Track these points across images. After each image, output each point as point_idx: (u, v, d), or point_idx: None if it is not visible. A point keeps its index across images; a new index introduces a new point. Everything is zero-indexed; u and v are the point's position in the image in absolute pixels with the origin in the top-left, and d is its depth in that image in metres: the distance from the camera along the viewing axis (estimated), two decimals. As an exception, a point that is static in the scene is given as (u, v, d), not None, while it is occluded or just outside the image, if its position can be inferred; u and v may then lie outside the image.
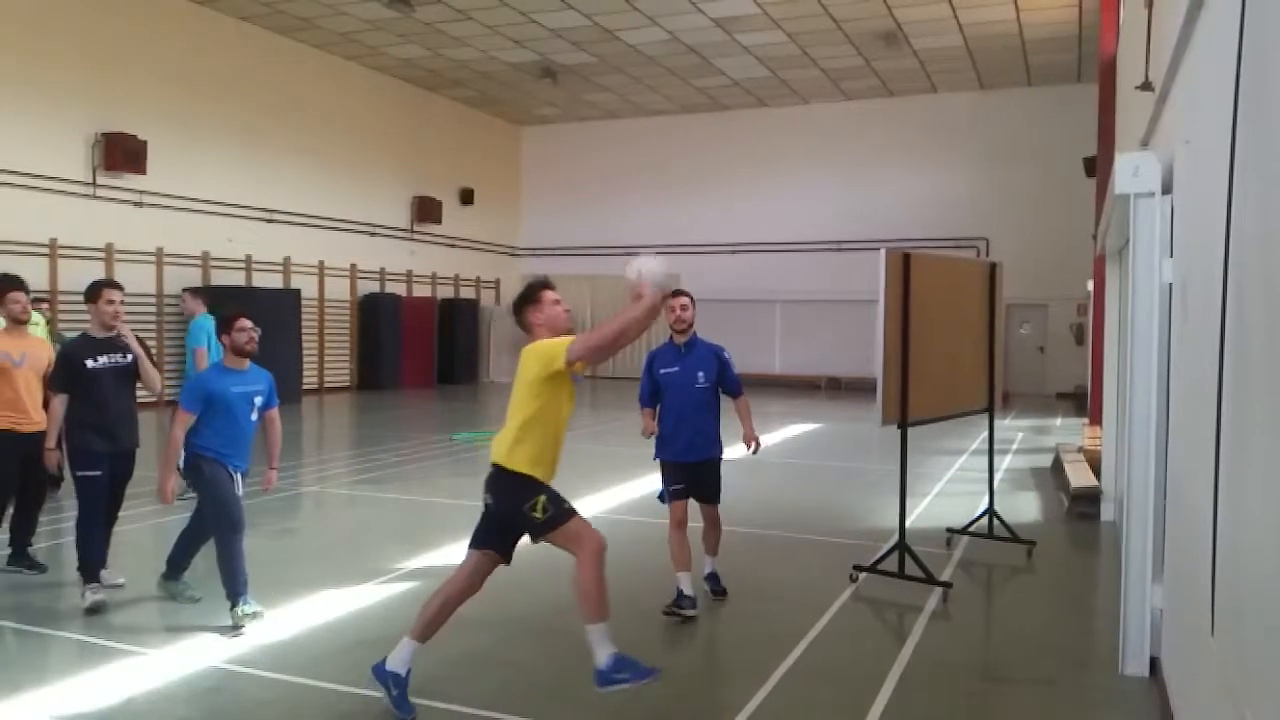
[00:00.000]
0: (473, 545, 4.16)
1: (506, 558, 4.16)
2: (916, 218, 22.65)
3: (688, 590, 5.46)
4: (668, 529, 5.58)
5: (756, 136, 24.65)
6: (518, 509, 3.96)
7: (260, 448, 5.49)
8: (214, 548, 5.19)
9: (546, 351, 3.95)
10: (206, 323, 8.86)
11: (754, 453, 5.91)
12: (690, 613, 5.40)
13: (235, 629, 4.98)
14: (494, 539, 4.11)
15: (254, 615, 5.05)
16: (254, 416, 5.37)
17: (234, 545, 5.12)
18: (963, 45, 19.24)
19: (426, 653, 4.58)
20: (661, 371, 5.71)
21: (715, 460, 5.72)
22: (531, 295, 4.20)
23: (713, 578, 5.81)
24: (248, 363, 5.37)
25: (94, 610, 5.29)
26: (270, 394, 5.45)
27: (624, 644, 4.61)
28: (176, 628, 5.13)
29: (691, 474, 5.66)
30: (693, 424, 5.60)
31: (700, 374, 5.64)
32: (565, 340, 3.93)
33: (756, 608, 5.70)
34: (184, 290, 9.95)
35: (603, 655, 3.81)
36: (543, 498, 3.94)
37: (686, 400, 5.61)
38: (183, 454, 5.25)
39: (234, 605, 5.04)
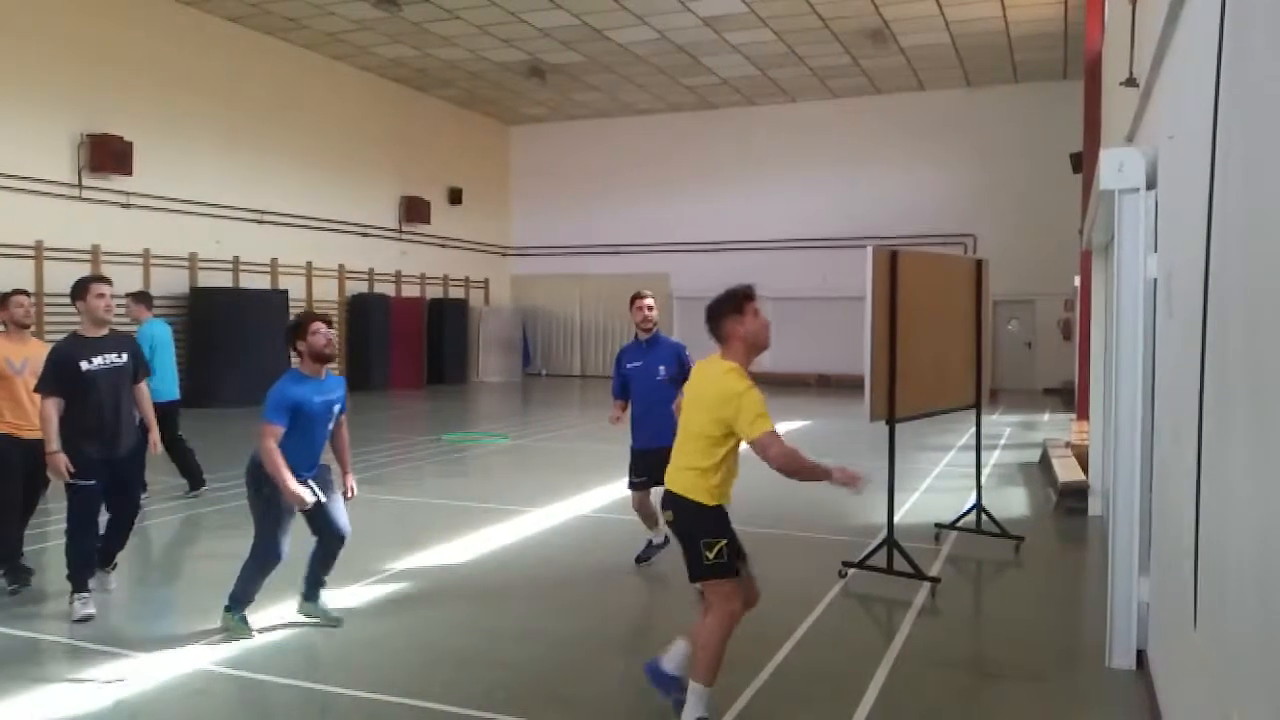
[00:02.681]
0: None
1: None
2: (904, 215, 22.72)
3: (657, 540, 6.22)
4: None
5: (745, 135, 24.68)
6: (695, 537, 3.77)
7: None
8: (243, 556, 5.04)
9: (741, 412, 3.66)
10: (153, 329, 8.43)
11: None
12: (658, 548, 6.21)
13: (223, 631, 4.93)
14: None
15: (244, 634, 4.90)
16: (330, 427, 5.07)
17: (266, 571, 4.97)
18: (949, 43, 19.30)
19: (413, 652, 4.58)
20: (628, 366, 6.31)
21: None
22: (736, 304, 3.84)
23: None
24: (325, 370, 4.97)
25: (83, 622, 5.15)
26: (344, 400, 5.16)
27: (615, 642, 4.61)
28: (165, 630, 5.12)
29: (658, 461, 5.78)
30: (657, 414, 5.97)
31: (661, 368, 6.15)
32: (764, 423, 3.62)
33: (746, 605, 5.70)
34: (127, 295, 8.88)
35: (691, 718, 3.75)
36: (724, 543, 3.76)
37: (650, 392, 6.14)
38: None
39: (230, 610, 4.96)
